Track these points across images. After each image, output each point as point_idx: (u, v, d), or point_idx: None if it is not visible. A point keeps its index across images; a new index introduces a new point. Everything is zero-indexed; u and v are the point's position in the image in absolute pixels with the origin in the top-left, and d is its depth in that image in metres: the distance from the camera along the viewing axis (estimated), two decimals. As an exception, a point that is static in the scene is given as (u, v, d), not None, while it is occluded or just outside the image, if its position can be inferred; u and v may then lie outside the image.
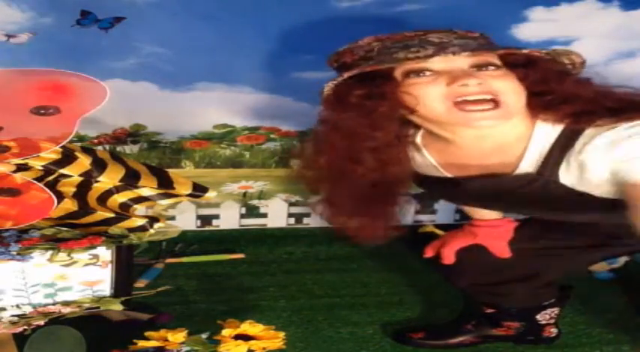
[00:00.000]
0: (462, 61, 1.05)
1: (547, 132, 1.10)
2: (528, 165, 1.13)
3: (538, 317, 1.49)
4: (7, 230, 1.33)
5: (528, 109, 1.10)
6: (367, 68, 1.08)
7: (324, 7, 1.37)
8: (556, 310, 1.50)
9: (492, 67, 1.06)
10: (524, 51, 1.07)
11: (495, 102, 1.04)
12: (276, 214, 1.98)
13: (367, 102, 1.10)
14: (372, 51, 1.10)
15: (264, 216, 2.00)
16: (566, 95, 1.08)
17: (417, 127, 1.20)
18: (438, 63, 1.05)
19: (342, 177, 1.17)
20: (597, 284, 1.77)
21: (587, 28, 1.46)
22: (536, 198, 1.16)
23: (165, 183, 1.49)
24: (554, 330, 1.52)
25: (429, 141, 1.21)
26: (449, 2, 1.38)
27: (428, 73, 1.06)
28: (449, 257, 1.41)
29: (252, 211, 1.98)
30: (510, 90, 1.06)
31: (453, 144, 1.15)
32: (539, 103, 1.09)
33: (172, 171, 1.55)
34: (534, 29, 1.43)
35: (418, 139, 1.22)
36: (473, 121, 1.05)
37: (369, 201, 1.20)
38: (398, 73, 1.09)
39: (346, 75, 1.09)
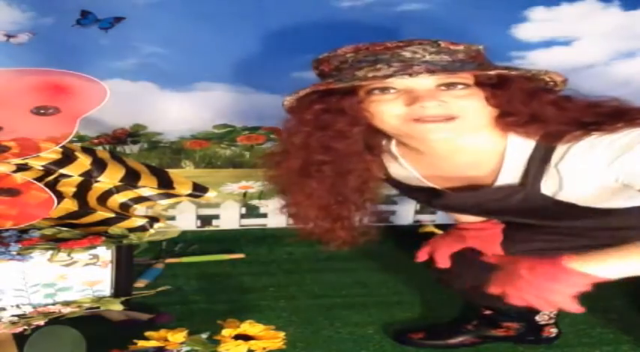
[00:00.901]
0: (429, 79, 1.03)
1: (521, 144, 1.11)
2: (508, 176, 1.14)
3: (537, 317, 1.49)
4: (7, 230, 1.33)
5: (498, 125, 1.10)
6: (321, 87, 1.07)
7: (325, 7, 1.37)
8: (554, 310, 1.50)
9: (461, 86, 1.04)
10: (492, 72, 1.04)
11: (450, 119, 1.04)
12: (277, 214, 1.98)
13: (324, 117, 1.10)
14: (345, 63, 1.08)
15: (264, 216, 2.00)
16: (533, 116, 1.07)
17: (390, 137, 1.20)
18: (402, 81, 1.03)
19: (301, 184, 1.18)
20: (597, 284, 1.76)
21: (587, 28, 1.46)
22: (520, 208, 1.17)
23: (166, 183, 1.49)
24: (553, 330, 1.52)
25: (404, 151, 1.21)
26: (449, 2, 1.38)
27: (392, 90, 1.05)
28: (443, 261, 1.40)
29: (252, 211, 1.98)
30: (471, 111, 1.05)
31: (426, 156, 1.16)
32: (505, 122, 1.09)
33: (172, 171, 1.55)
34: (534, 29, 1.43)
35: (393, 148, 1.22)
36: (427, 133, 1.05)
37: (331, 207, 1.20)
38: (362, 89, 1.07)
39: (302, 92, 1.08)
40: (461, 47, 1.06)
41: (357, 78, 1.03)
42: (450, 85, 1.04)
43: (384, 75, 1.01)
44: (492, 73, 1.04)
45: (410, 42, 1.04)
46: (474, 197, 1.20)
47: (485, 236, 1.37)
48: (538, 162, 1.10)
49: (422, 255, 1.44)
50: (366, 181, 1.20)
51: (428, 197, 1.28)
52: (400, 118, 1.06)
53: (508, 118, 1.08)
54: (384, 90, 1.05)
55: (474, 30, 1.29)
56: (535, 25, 1.43)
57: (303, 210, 1.23)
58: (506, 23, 1.42)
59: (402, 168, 1.24)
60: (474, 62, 1.07)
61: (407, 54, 1.03)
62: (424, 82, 1.03)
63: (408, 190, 1.31)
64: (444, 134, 1.05)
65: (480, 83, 1.05)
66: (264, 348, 1.28)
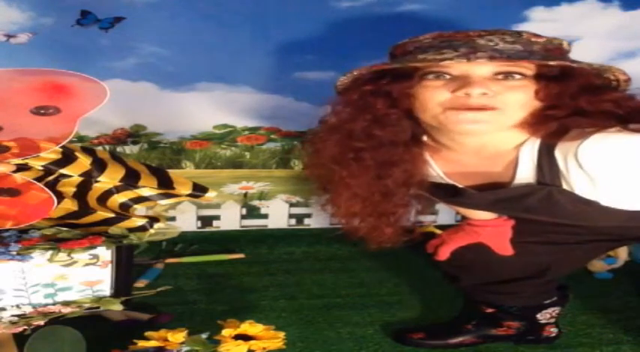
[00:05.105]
0: (486, 67, 1.01)
1: (532, 140, 1.09)
2: (526, 173, 1.12)
3: (538, 316, 1.49)
4: (7, 230, 1.33)
5: (530, 120, 1.07)
6: (376, 67, 1.04)
7: (324, 7, 1.37)
8: (557, 309, 1.50)
9: (519, 76, 1.02)
10: (554, 63, 1.01)
11: (489, 109, 1.01)
12: (277, 215, 1.98)
13: (369, 99, 1.08)
14: (420, 48, 1.04)
15: (265, 217, 2.00)
16: (577, 110, 1.03)
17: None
18: (460, 66, 1.00)
19: (344, 175, 1.15)
20: (597, 284, 1.77)
21: (587, 28, 1.47)
22: (543, 206, 1.14)
23: (165, 183, 1.49)
24: (554, 330, 1.52)
25: (432, 147, 1.19)
26: (449, 2, 1.38)
27: (447, 76, 1.03)
28: (444, 254, 1.40)
29: (252, 212, 1.98)
30: (516, 105, 1.03)
31: (453, 152, 1.15)
32: (543, 115, 1.05)
33: (172, 171, 1.55)
34: (534, 29, 1.42)
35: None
36: (461, 124, 1.03)
37: (375, 200, 1.18)
38: (417, 73, 1.05)
39: (356, 72, 1.06)
40: (542, 40, 1.04)
41: (416, 59, 1.01)
42: (507, 74, 1.01)
43: (444, 58, 0.98)
44: (554, 63, 1.01)
45: (493, 31, 1.02)
46: (498, 195, 1.17)
47: (497, 232, 1.37)
48: (547, 158, 1.08)
49: (430, 247, 1.44)
50: (413, 175, 1.17)
51: (447, 196, 1.26)
52: (441, 106, 1.03)
53: (549, 111, 1.04)
54: (439, 75, 1.03)
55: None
56: (535, 25, 1.43)
57: (346, 203, 1.20)
58: (506, 23, 1.42)
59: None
60: (543, 54, 1.03)
61: (481, 41, 1.00)
62: (482, 69, 1.00)
63: (428, 188, 1.26)
64: (477, 125, 1.03)
65: (539, 75, 1.02)
66: (264, 348, 1.28)
